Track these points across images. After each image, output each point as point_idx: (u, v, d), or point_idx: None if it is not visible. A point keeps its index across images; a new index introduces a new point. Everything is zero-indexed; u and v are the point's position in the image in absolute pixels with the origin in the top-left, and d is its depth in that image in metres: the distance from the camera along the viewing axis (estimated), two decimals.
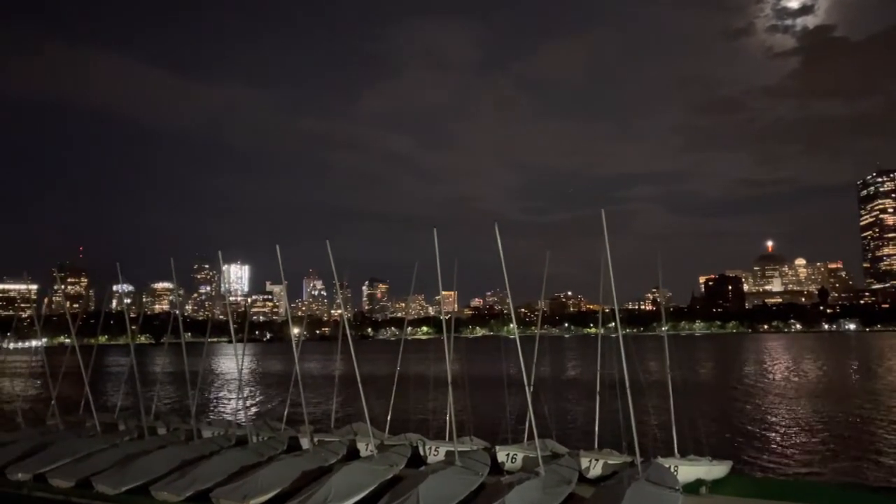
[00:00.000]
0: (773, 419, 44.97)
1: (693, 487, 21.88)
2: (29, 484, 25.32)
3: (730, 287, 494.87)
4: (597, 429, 26.49)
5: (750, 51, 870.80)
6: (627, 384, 22.33)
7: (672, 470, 22.40)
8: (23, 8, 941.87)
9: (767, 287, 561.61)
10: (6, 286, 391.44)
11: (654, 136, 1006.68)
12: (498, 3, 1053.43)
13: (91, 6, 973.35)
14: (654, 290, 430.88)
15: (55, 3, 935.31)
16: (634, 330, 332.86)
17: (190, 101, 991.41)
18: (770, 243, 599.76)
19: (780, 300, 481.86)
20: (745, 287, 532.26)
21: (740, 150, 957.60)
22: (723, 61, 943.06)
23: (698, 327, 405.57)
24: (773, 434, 39.09)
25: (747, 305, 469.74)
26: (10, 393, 54.22)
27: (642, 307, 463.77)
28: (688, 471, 22.74)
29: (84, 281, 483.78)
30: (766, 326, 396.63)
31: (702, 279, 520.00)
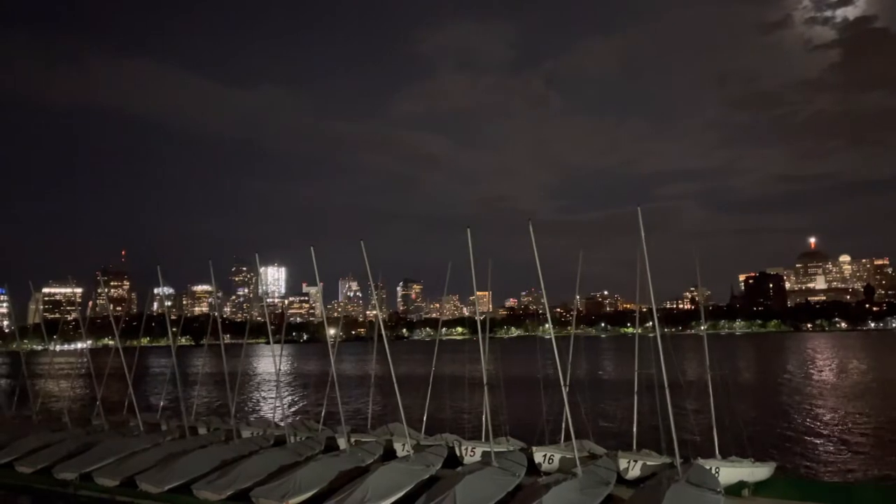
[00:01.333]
0: (818, 420, 43.85)
1: (735, 489, 21.46)
2: (76, 482, 25.98)
3: (771, 285, 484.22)
4: (635, 429, 26.15)
5: (788, 44, 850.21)
6: (666, 384, 22.00)
7: (713, 471, 22.00)
8: (64, 20, 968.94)
9: (810, 285, 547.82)
10: (52, 290, 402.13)
11: (691, 132, 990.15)
12: (530, 3, 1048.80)
13: (128, 16, 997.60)
14: (693, 288, 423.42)
15: (95, 15, 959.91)
16: (672, 329, 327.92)
17: (226, 105, 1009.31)
18: (812, 240, 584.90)
19: (824, 298, 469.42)
20: (787, 285, 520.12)
21: (779, 146, 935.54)
22: (760, 55, 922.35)
23: (738, 326, 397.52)
24: (819, 435, 38.11)
25: (789, 304, 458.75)
26: (58, 394, 55.87)
27: (680, 306, 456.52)
28: (730, 472, 22.30)
29: (126, 284, 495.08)
30: (809, 325, 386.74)
31: (741, 277, 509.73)
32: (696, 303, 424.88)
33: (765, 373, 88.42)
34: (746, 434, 27.08)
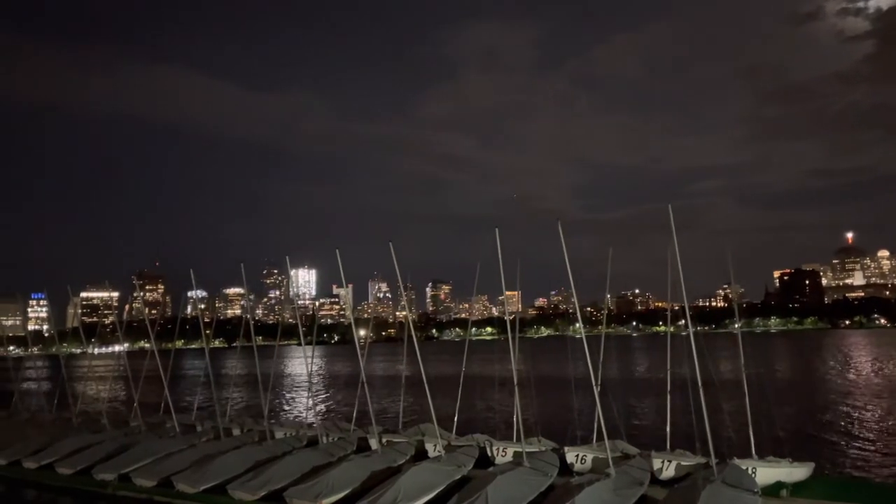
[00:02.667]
0: (857, 419, 42.86)
1: (773, 490, 21.07)
2: (114, 483, 26.53)
3: (807, 281, 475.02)
4: (668, 429, 25.84)
5: (819, 36, 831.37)
6: (700, 383, 21.70)
7: (750, 472, 21.64)
8: (95, 30, 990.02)
9: (848, 281, 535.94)
10: (90, 294, 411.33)
11: (720, 127, 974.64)
12: (554, 2, 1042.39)
13: (156, 24, 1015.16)
14: (726, 286, 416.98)
15: (125, 24, 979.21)
16: (705, 328, 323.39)
17: (254, 110, 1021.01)
18: (850, 235, 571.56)
19: (863, 294, 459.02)
20: (824, 281, 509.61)
21: (813, 140, 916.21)
22: (790, 48, 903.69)
23: (773, 324, 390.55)
24: (858, 435, 37.24)
25: (826, 300, 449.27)
26: (96, 396, 56.93)
27: (713, 304, 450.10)
28: (767, 473, 21.91)
29: (161, 288, 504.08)
30: (847, 322, 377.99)
31: (776, 274, 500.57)
32: (729, 300, 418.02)
33: (802, 371, 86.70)
34: (783, 433, 26.64)
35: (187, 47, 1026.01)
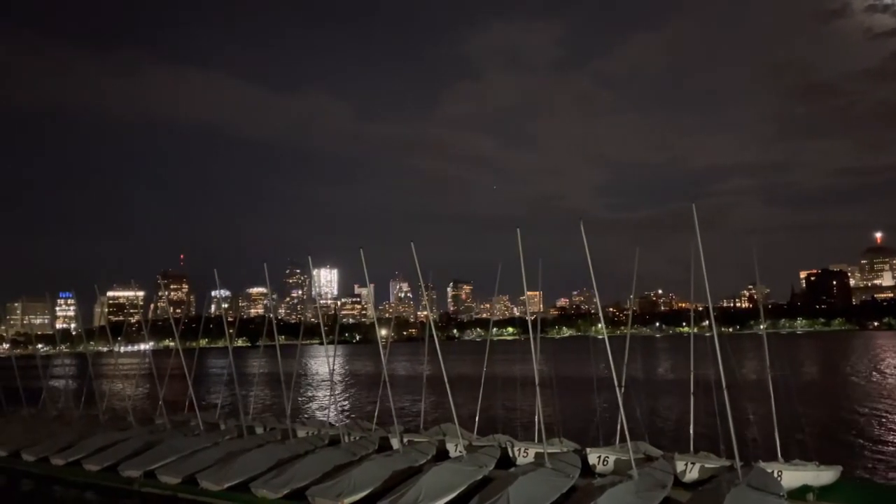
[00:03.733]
0: (886, 422, 42.06)
1: (799, 494, 20.75)
2: (140, 480, 26.90)
3: (834, 282, 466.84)
4: (692, 431, 25.58)
5: (847, 33, 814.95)
6: (724, 385, 21.44)
7: (775, 475, 21.35)
8: (121, 33, 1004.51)
9: (877, 281, 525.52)
10: (116, 294, 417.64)
11: (746, 126, 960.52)
12: (576, 0, 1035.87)
13: (181, 28, 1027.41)
14: (751, 286, 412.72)
15: (150, 27, 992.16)
16: (730, 329, 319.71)
17: (275, 111, 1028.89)
18: (879, 234, 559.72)
19: (892, 295, 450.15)
20: (852, 282, 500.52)
21: (840, 138, 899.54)
22: (817, 45, 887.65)
23: (800, 325, 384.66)
24: (887, 438, 36.53)
25: (854, 301, 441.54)
26: (122, 394, 57.74)
27: (738, 305, 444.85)
28: (793, 476, 21.60)
29: (185, 287, 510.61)
30: (875, 324, 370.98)
31: (802, 274, 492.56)
32: (754, 301, 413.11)
33: (829, 373, 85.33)
34: (810, 436, 26.25)
35: (209, 49, 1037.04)
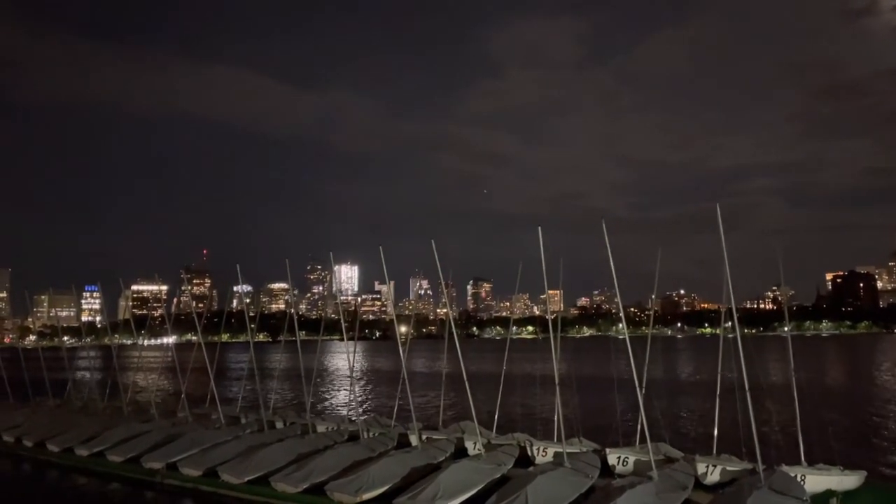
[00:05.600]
0: None
1: (822, 499, 20.47)
2: (162, 471, 27.25)
3: (861, 284, 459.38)
4: (716, 433, 25.30)
5: (874, 31, 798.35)
6: (747, 386, 21.19)
7: (798, 479, 21.06)
8: (149, 32, 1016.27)
9: None
10: (140, 287, 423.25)
11: (770, 125, 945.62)
12: None
13: (208, 26, 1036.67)
14: (775, 287, 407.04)
15: (177, 26, 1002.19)
16: (754, 330, 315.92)
17: (299, 108, 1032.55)
18: None
19: None
20: (879, 284, 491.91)
21: (867, 137, 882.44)
22: (843, 44, 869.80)
23: (825, 327, 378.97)
24: None
25: (881, 304, 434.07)
26: (145, 386, 58.48)
27: (762, 306, 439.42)
28: (816, 480, 21.31)
29: (208, 282, 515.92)
30: None
31: (828, 276, 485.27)
32: (779, 303, 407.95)
33: (854, 376, 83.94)
34: (834, 440, 25.80)
35: (234, 47, 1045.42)
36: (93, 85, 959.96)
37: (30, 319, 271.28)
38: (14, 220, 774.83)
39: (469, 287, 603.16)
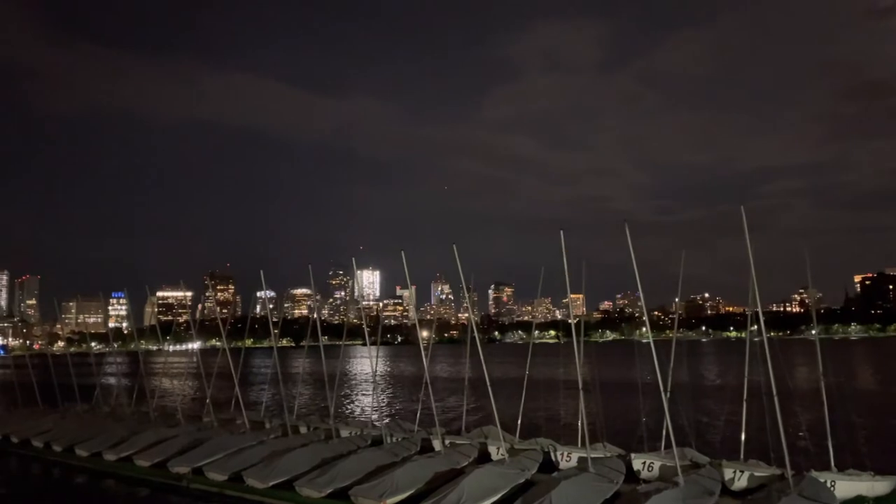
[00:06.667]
0: None
1: None
2: (188, 476, 27.52)
3: (890, 286, 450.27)
4: (743, 437, 24.96)
5: None
6: (775, 391, 20.89)
7: (828, 485, 20.71)
8: (173, 40, 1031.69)
9: None
10: (165, 294, 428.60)
11: (795, 126, 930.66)
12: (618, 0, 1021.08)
13: (227, 31, 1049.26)
14: (802, 290, 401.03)
15: (198, 33, 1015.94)
16: (780, 333, 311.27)
17: (321, 115, 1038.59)
18: None
19: None
20: None
21: (893, 137, 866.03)
22: (869, 43, 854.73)
23: (854, 330, 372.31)
24: None
25: None
26: (171, 391, 59.38)
27: (789, 309, 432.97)
28: (846, 486, 20.94)
29: (231, 288, 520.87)
30: None
31: (857, 278, 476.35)
32: (806, 305, 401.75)
33: (884, 380, 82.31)
34: (865, 445, 25.37)
35: (256, 54, 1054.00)
36: (116, 93, 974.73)
37: (58, 326, 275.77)
38: (43, 228, 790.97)
39: (490, 291, 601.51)
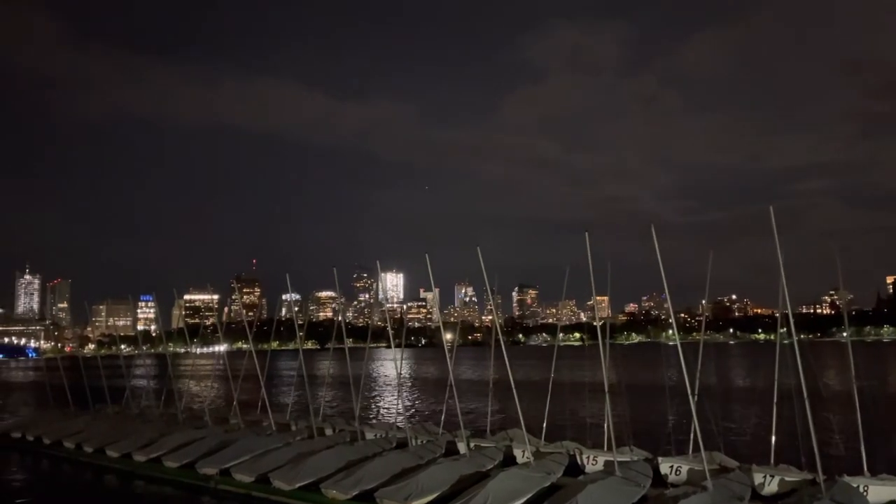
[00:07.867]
0: None
1: None
2: (216, 478, 27.83)
3: None
4: (773, 441, 24.58)
5: None
6: (805, 394, 20.53)
7: (861, 490, 20.32)
8: (195, 45, 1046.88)
9: None
10: (192, 297, 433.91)
11: (824, 125, 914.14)
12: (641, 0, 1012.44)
13: (251, 39, 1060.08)
14: (833, 291, 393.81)
15: (218, 38, 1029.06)
16: (810, 336, 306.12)
17: (342, 118, 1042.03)
18: None
19: None
20: None
21: None
22: None
23: (886, 332, 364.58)
24: None
25: None
26: (199, 393, 60.08)
27: (819, 311, 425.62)
28: (880, 491, 20.52)
29: (257, 291, 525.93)
30: None
31: (889, 279, 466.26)
32: (837, 307, 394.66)
33: None
34: None
35: (277, 58, 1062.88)
36: (139, 98, 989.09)
37: (89, 328, 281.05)
38: (73, 233, 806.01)
39: (514, 294, 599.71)
